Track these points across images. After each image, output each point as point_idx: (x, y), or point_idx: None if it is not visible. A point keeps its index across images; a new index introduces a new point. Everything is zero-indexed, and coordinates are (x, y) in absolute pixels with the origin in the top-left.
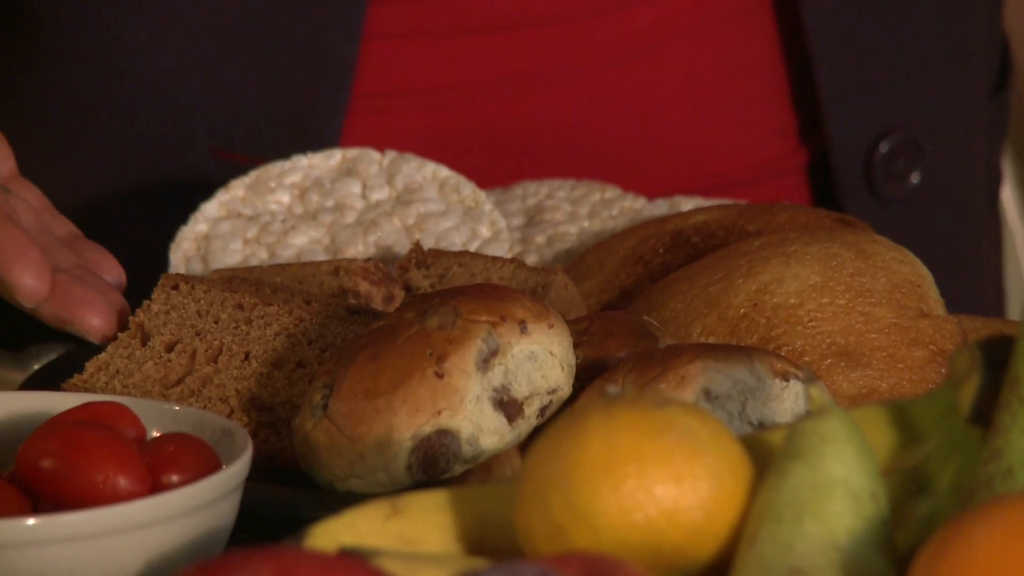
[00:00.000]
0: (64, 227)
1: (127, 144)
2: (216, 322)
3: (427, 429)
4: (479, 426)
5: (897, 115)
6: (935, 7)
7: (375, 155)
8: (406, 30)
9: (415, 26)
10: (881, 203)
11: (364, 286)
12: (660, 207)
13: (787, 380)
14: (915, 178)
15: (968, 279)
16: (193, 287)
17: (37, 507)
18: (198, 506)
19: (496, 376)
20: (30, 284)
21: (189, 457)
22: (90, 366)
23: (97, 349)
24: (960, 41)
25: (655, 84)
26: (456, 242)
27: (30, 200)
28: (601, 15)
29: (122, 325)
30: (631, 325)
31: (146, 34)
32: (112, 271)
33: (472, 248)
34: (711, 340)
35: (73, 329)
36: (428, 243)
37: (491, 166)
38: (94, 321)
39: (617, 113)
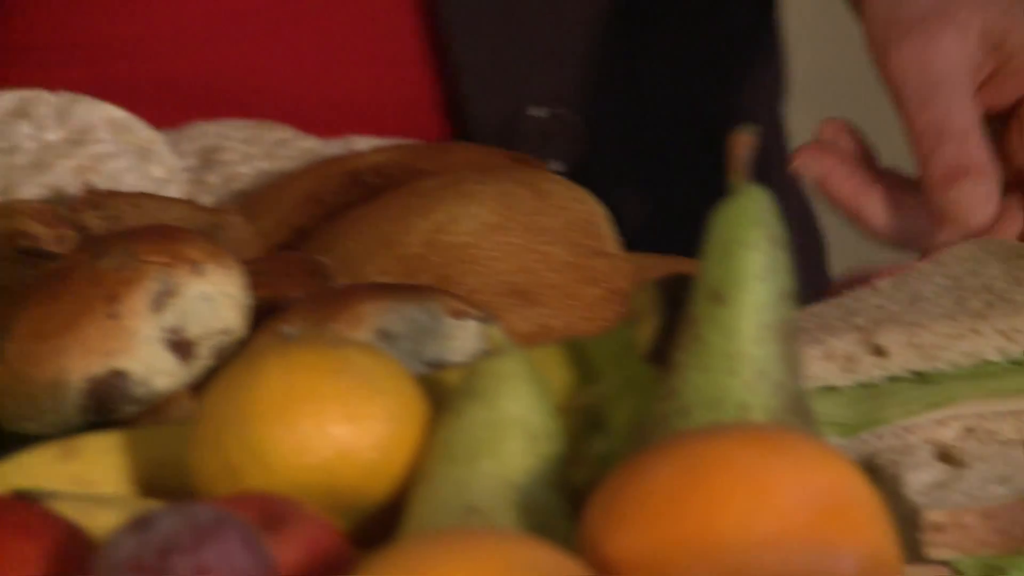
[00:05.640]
0: None
1: None
2: None
3: (98, 370)
4: (151, 367)
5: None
6: None
7: (48, 96)
8: None
9: None
10: None
11: (36, 228)
12: (335, 147)
13: (462, 319)
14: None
15: None
16: None
17: None
18: None
19: (169, 317)
20: None
21: None
22: None
23: None
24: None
25: (321, 38)
26: (130, 183)
27: None
28: None
29: None
30: (306, 265)
31: None
32: None
33: (146, 189)
34: (386, 280)
35: None
36: (101, 184)
37: (161, 122)
38: None
39: (289, 66)
